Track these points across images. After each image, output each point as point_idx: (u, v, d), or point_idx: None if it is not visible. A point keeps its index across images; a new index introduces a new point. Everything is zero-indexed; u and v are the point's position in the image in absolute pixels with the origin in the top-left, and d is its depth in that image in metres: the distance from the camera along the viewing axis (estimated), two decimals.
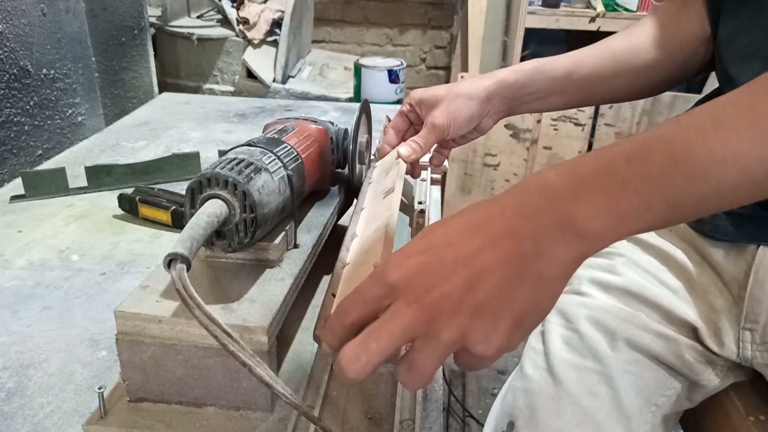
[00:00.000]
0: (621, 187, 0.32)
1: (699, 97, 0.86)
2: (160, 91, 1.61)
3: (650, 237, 0.65)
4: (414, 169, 0.69)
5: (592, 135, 1.77)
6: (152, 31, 1.74)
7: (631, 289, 0.61)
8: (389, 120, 0.73)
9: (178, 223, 0.81)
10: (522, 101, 0.66)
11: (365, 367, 0.32)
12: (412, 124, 0.69)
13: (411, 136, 0.67)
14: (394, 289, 0.33)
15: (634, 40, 0.66)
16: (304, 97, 1.79)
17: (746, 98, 0.34)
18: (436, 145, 0.70)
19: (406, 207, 0.77)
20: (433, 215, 0.85)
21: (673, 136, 0.33)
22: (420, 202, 0.83)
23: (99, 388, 0.46)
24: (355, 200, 0.72)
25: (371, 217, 0.54)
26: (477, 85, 0.64)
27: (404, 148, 0.65)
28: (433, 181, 0.89)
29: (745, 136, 0.32)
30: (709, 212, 0.34)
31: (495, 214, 0.33)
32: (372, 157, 0.77)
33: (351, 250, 0.49)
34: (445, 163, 0.83)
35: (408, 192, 0.78)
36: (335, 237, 0.66)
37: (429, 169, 0.88)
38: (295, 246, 0.57)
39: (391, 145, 0.68)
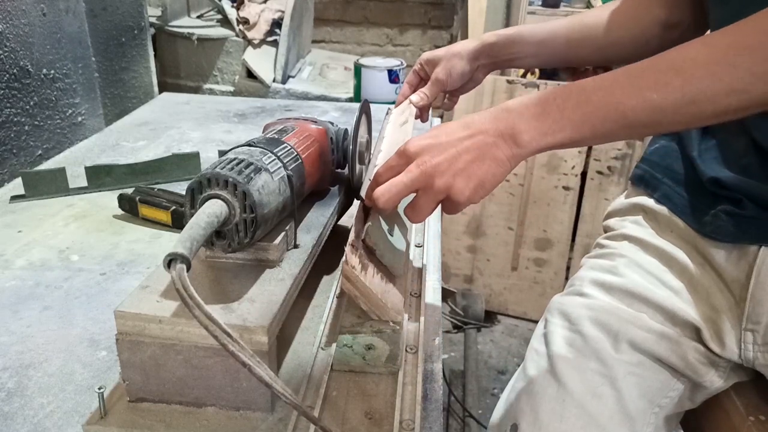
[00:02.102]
0: (545, 114, 0.49)
1: None
2: (160, 91, 1.60)
3: (652, 238, 0.65)
4: (422, 114, 0.84)
5: None
6: (152, 31, 1.74)
7: (634, 291, 0.61)
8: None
9: (178, 223, 0.80)
10: (502, 59, 0.81)
11: (389, 201, 0.51)
12: (422, 79, 0.84)
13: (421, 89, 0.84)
14: (409, 158, 0.51)
15: (604, 18, 0.77)
16: (304, 97, 1.78)
17: (644, 64, 0.48)
18: (447, 94, 0.86)
19: None
20: (433, 215, 0.86)
21: (586, 85, 0.49)
22: None
23: (99, 388, 0.46)
24: (355, 200, 0.72)
25: (392, 140, 0.71)
26: (466, 46, 0.80)
27: (415, 96, 0.81)
28: None
29: (626, 90, 0.47)
30: (602, 140, 0.50)
31: (476, 119, 0.51)
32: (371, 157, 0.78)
33: (379, 160, 0.64)
34: None
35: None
36: (335, 237, 0.66)
37: None
38: (295, 246, 0.57)
39: (405, 96, 0.84)
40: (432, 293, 0.68)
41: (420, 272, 0.69)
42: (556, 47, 0.79)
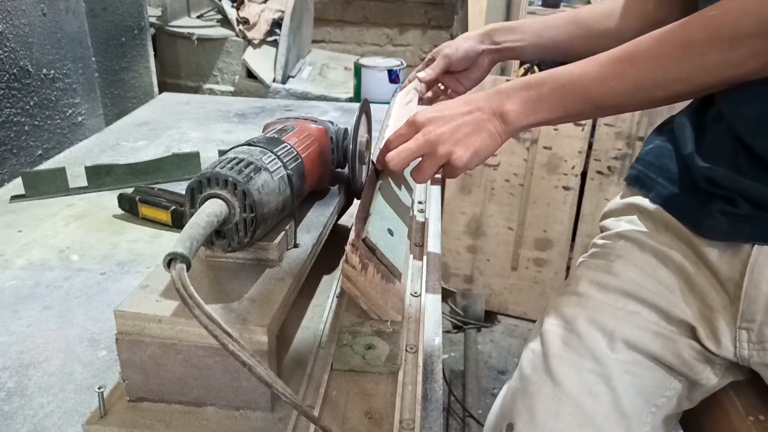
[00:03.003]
0: (527, 97, 0.57)
1: None
2: (160, 91, 1.61)
3: (647, 237, 0.65)
4: (427, 91, 0.91)
5: (592, 135, 1.76)
6: (152, 31, 1.74)
7: (629, 290, 0.61)
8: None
9: (178, 223, 0.81)
10: (504, 46, 0.86)
11: (398, 164, 0.59)
12: None
13: None
14: (417, 128, 0.59)
15: (597, 11, 0.82)
16: (304, 97, 1.79)
17: (607, 54, 0.54)
18: (455, 92, 0.92)
19: None
20: (433, 215, 0.86)
21: (560, 73, 0.56)
22: (420, 202, 0.83)
23: (99, 388, 0.46)
24: (355, 200, 0.72)
25: (398, 117, 0.77)
26: (473, 31, 0.88)
27: (422, 73, 0.89)
28: (434, 181, 0.90)
29: (591, 77, 0.54)
30: (576, 119, 0.59)
31: (475, 98, 0.59)
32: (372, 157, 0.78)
33: (386, 134, 0.70)
34: None
35: None
36: (335, 237, 0.67)
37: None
38: (295, 246, 0.57)
39: (411, 80, 0.90)
40: (432, 293, 0.68)
41: (420, 272, 0.69)
42: (552, 39, 0.84)
